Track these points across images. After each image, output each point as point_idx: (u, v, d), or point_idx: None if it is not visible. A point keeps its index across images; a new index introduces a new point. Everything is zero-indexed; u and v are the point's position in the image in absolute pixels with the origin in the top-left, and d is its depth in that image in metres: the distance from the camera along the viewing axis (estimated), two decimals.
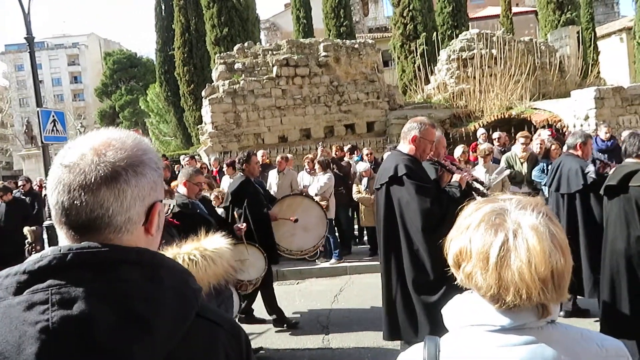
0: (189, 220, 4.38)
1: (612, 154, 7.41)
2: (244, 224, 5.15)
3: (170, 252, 1.47)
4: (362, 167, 8.77)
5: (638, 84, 13.79)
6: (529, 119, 12.94)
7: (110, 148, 0.95)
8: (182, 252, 1.48)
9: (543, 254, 1.02)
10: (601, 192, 4.00)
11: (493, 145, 8.32)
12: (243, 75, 13.85)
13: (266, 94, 13.77)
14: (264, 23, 34.04)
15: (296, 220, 5.73)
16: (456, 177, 3.83)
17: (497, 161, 7.75)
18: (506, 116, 13.31)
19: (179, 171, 13.53)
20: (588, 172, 4.73)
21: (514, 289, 1.02)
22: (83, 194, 0.91)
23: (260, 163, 10.08)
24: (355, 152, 10.43)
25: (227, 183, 9.03)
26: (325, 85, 14.10)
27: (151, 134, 33.98)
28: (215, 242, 1.63)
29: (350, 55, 14.37)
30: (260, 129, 13.80)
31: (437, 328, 3.63)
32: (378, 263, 7.81)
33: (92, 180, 0.91)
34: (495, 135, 8.68)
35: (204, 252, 1.54)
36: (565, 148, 5.37)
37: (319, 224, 5.96)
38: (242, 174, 5.71)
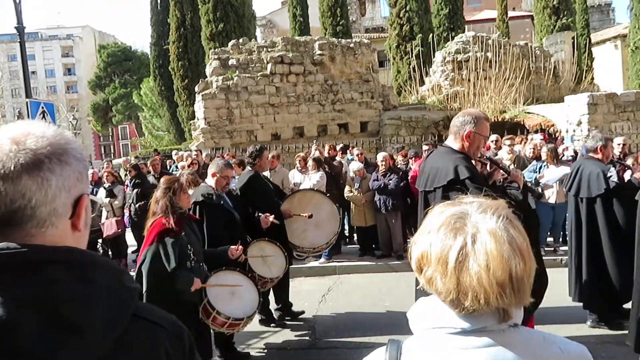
0: (212, 211, 4.31)
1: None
2: (272, 215, 5.02)
3: None
4: (355, 166, 8.71)
5: (631, 91, 13.86)
6: (522, 123, 12.97)
7: (30, 137, 0.89)
8: None
9: (501, 258, 1.01)
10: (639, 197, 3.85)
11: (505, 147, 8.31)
12: (237, 71, 13.77)
13: (260, 91, 13.70)
14: (260, 20, 33.94)
15: (311, 216, 5.47)
16: (513, 177, 3.59)
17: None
18: (500, 120, 13.34)
19: (170, 166, 13.51)
20: (610, 176, 4.64)
21: (472, 293, 1.01)
22: (2, 183, 0.84)
23: None
24: (348, 151, 10.39)
25: None
26: (319, 84, 14.05)
27: (144, 128, 33.81)
28: None
29: (345, 55, 14.33)
30: (253, 126, 13.73)
31: None
32: (367, 263, 7.83)
33: (12, 168, 0.85)
34: (493, 137, 8.67)
35: None
36: (584, 151, 5.26)
37: (331, 219, 5.67)
38: (251, 168, 5.56)
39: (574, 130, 11.84)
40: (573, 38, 17.95)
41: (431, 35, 18.28)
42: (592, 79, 18.01)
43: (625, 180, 4.87)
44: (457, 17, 21.80)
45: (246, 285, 4.33)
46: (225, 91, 13.52)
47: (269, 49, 14.12)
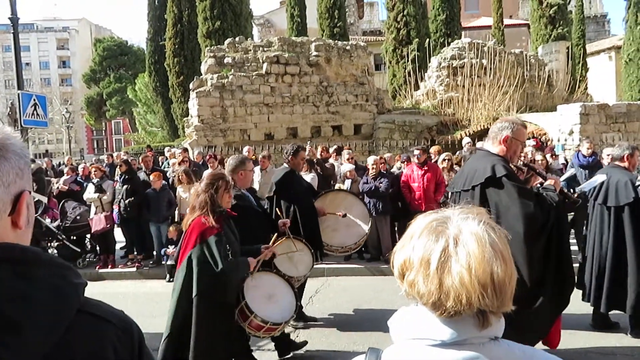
0: (243, 212, 4.21)
1: (592, 169, 7.47)
2: (288, 220, 4.98)
3: None
4: (347, 168, 8.72)
5: (623, 102, 13.97)
6: None
7: None
8: None
9: (482, 259, 1.02)
10: None
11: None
12: (232, 70, 13.74)
13: (255, 90, 13.68)
14: (258, 19, 33.89)
15: (344, 216, 5.51)
16: (550, 182, 3.67)
17: None
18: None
19: (162, 163, 13.45)
20: (639, 185, 4.63)
21: (454, 294, 1.02)
22: None
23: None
24: (342, 153, 10.38)
25: None
26: (314, 85, 14.05)
27: (138, 123, 33.65)
28: None
29: (341, 57, 14.34)
30: (246, 125, 13.70)
31: (534, 338, 3.51)
32: (356, 266, 7.82)
33: None
34: (480, 145, 8.70)
35: None
36: (574, 160, 5.22)
37: (362, 221, 5.73)
38: (287, 165, 5.60)
39: (565, 140, 11.91)
40: (568, 48, 18.07)
41: (428, 40, 18.34)
42: (586, 89, 18.14)
43: None
44: (454, 23, 21.91)
45: (283, 288, 4.28)
46: (220, 89, 13.48)
47: (265, 49, 14.11)
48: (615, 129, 12.18)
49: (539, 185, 3.77)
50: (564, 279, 3.58)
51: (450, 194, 3.97)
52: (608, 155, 7.99)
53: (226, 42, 14.52)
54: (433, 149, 9.59)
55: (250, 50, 14.13)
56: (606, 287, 4.77)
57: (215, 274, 3.50)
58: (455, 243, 1.05)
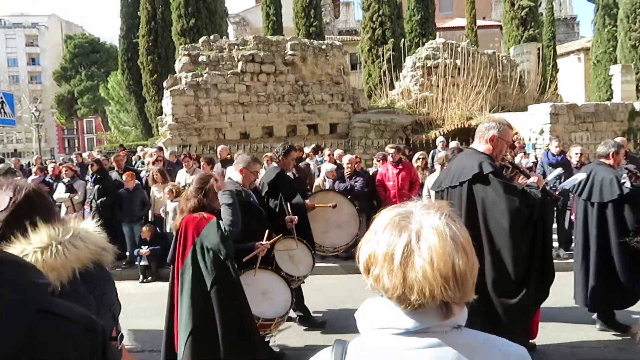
0: (242, 209, 4.14)
1: (561, 167, 7.65)
2: (296, 217, 4.98)
3: (18, 247, 1.40)
4: (327, 167, 8.69)
5: (591, 102, 14.35)
6: None
7: None
8: (30, 246, 1.40)
9: (444, 252, 1.05)
10: None
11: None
12: (207, 68, 13.60)
13: (230, 89, 13.58)
14: (234, 17, 33.64)
15: (335, 206, 5.55)
16: (533, 179, 3.79)
17: None
18: (466, 126, 13.59)
19: (135, 162, 13.24)
20: (624, 182, 4.74)
21: (418, 287, 1.04)
22: None
23: (220, 158, 9.97)
24: (319, 152, 10.40)
25: (183, 177, 8.83)
26: (290, 84, 14.02)
27: (110, 122, 33.03)
28: (74, 225, 1.55)
29: (317, 56, 14.35)
30: (221, 124, 13.59)
31: (517, 329, 3.57)
32: (331, 265, 7.83)
33: None
34: (453, 144, 8.84)
35: (60, 238, 1.46)
36: (544, 159, 5.31)
37: (351, 221, 5.77)
38: (277, 165, 5.57)
39: (536, 139, 12.17)
40: (539, 49, 18.45)
41: (403, 40, 18.50)
42: (556, 89, 18.56)
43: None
44: (429, 23, 22.15)
45: (278, 284, 4.26)
46: (194, 88, 13.34)
47: (240, 47, 14.01)
48: (583, 129, 12.50)
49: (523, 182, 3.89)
50: (547, 272, 3.68)
51: (435, 192, 4.04)
52: (576, 153, 8.22)
53: (201, 40, 14.36)
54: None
55: (225, 48, 14.01)
56: (591, 286, 4.82)
57: (222, 261, 3.49)
58: (418, 238, 1.07)
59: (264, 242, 4.19)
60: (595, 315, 5.01)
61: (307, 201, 5.63)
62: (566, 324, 5.10)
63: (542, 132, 12.22)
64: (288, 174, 5.83)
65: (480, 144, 3.69)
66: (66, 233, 1.50)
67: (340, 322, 5.40)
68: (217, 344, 3.49)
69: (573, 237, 5.36)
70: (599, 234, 4.72)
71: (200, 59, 13.72)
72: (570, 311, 5.22)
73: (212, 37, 14.47)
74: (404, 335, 1.08)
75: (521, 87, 16.45)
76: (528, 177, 3.93)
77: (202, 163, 8.58)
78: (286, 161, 5.53)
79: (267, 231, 4.34)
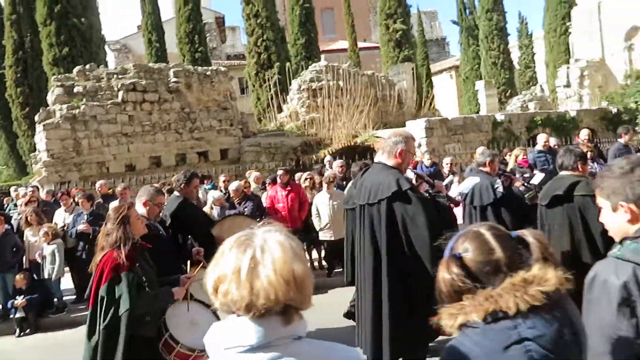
0: (155, 242, 3.95)
1: (434, 178, 8.33)
2: (202, 249, 4.75)
3: None
4: (214, 195, 8.63)
5: (460, 116, 15.80)
6: (372, 146, 13.99)
7: None
8: None
9: (285, 260, 1.20)
10: (542, 202, 4.23)
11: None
12: (84, 99, 12.91)
13: (111, 120, 12.99)
14: (115, 44, 32.26)
15: None
16: (437, 187, 4.01)
17: (341, 187, 8.21)
18: (352, 144, 14.25)
19: (7, 204, 12.08)
20: (497, 187, 5.26)
21: (264, 293, 1.18)
22: None
23: (100, 194, 9.47)
24: (205, 181, 10.26)
25: (61, 217, 8.26)
26: (176, 112, 13.76)
27: None
28: None
29: (202, 82, 14.25)
30: (104, 157, 12.92)
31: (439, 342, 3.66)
32: None
33: None
34: (337, 163, 9.24)
35: None
36: (474, 166, 5.92)
37: None
38: (178, 194, 5.26)
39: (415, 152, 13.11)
40: (413, 69, 19.95)
41: (288, 63, 18.99)
42: (433, 105, 20.12)
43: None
44: (313, 47, 22.98)
45: (204, 312, 4.08)
46: (70, 120, 12.57)
47: (120, 76, 13.50)
48: (455, 140, 13.70)
49: (429, 190, 4.23)
50: None
51: (346, 209, 4.25)
52: (447, 164, 9.00)
53: (75, 70, 13.60)
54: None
55: (104, 78, 13.42)
56: None
57: (123, 313, 3.34)
58: (262, 251, 1.21)
59: (189, 274, 4.10)
60: None
61: (214, 231, 5.42)
62: None
63: (419, 145, 13.19)
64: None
65: (389, 159, 3.85)
66: None
67: None
68: None
69: None
70: None
71: (75, 89, 12.99)
72: None
73: (88, 66, 13.78)
74: (249, 352, 1.18)
75: (400, 104, 17.64)
76: (432, 185, 4.25)
77: (80, 201, 8.09)
78: (188, 189, 5.33)
79: (188, 262, 4.25)
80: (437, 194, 4.12)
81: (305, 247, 8.67)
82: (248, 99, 23.54)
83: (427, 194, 4.11)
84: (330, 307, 5.38)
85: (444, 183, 7.95)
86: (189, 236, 5.22)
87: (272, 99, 17.03)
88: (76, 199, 8.70)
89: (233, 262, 1.22)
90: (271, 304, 1.17)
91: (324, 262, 8.64)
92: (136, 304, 3.41)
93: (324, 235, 8.02)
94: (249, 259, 1.20)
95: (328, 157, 11.85)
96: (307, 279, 1.23)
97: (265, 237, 1.24)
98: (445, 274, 1.38)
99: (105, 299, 3.40)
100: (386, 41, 23.94)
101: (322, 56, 24.48)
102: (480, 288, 1.31)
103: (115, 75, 13.49)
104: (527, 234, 1.43)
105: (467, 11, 30.80)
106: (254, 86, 20.70)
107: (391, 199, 3.70)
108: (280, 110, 16.77)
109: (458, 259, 1.39)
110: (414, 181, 4.32)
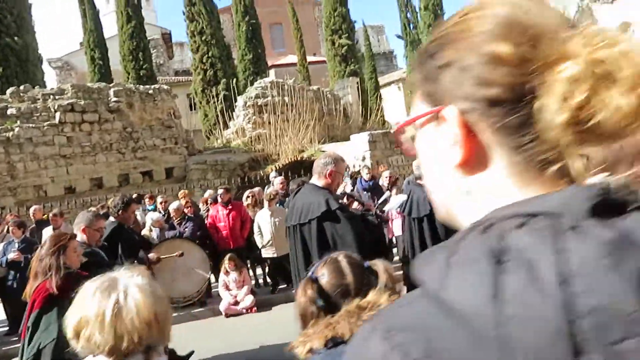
0: (98, 269, 3.78)
1: (373, 191, 8.57)
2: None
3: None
4: (153, 217, 8.50)
5: None
6: None
7: None
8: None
9: (146, 304, 1.28)
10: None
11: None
12: (18, 121, 12.46)
13: (48, 142, 12.58)
14: (56, 62, 31.30)
15: (181, 255, 5.39)
16: (367, 206, 4.15)
17: (282, 204, 8.26)
18: (299, 159, 14.36)
19: None
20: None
21: (127, 336, 1.24)
22: None
23: (35, 219, 9.14)
24: (148, 201, 10.09)
25: None
26: (117, 132, 13.48)
27: None
28: None
29: (144, 101, 14.04)
30: (41, 180, 12.48)
31: None
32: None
33: None
34: (278, 180, 9.31)
35: None
36: (412, 178, 6.19)
37: (200, 266, 5.63)
38: (114, 219, 5.18)
39: (360, 165, 13.33)
40: (358, 83, 20.35)
41: (235, 80, 18.99)
42: (382, 117, 20.51)
43: None
44: (261, 62, 23.09)
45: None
46: (4, 144, 12.09)
47: (57, 97, 13.12)
48: (398, 152, 14.02)
49: (360, 209, 4.48)
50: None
51: (286, 227, 4.40)
52: (386, 177, 9.23)
53: (8, 91, 13.11)
54: None
55: (40, 99, 13.00)
56: None
57: (47, 344, 3.22)
58: (125, 296, 1.27)
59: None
60: None
61: (151, 254, 5.46)
62: None
63: (364, 158, 13.45)
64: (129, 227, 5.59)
65: (319, 180, 4.01)
66: None
67: None
68: None
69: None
70: (421, 243, 5.65)
71: (9, 111, 12.52)
72: None
73: (22, 87, 13.33)
74: None
75: (346, 118, 17.94)
76: (362, 204, 4.47)
77: (11, 228, 7.78)
78: (126, 215, 5.32)
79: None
80: (366, 212, 4.32)
81: (249, 265, 8.67)
82: (196, 116, 23.31)
83: (359, 212, 4.33)
84: (273, 325, 5.42)
85: (383, 198, 8.17)
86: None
87: (218, 116, 16.96)
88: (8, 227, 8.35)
89: (96, 308, 1.27)
90: (134, 346, 1.24)
91: (268, 279, 8.64)
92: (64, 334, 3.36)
93: (266, 253, 8.04)
94: (113, 304, 1.26)
95: (273, 173, 11.91)
96: (167, 320, 1.31)
97: (128, 282, 1.31)
98: (302, 298, 1.47)
99: (30, 330, 3.33)
100: (332, 56, 24.34)
101: (272, 71, 24.64)
102: (329, 312, 1.41)
103: (52, 96, 13.10)
104: (378, 264, 1.55)
105: (412, 25, 31.77)
106: (200, 103, 20.54)
107: (321, 219, 3.87)
108: (226, 127, 16.72)
109: (314, 281, 1.49)
110: (345, 200, 4.56)
